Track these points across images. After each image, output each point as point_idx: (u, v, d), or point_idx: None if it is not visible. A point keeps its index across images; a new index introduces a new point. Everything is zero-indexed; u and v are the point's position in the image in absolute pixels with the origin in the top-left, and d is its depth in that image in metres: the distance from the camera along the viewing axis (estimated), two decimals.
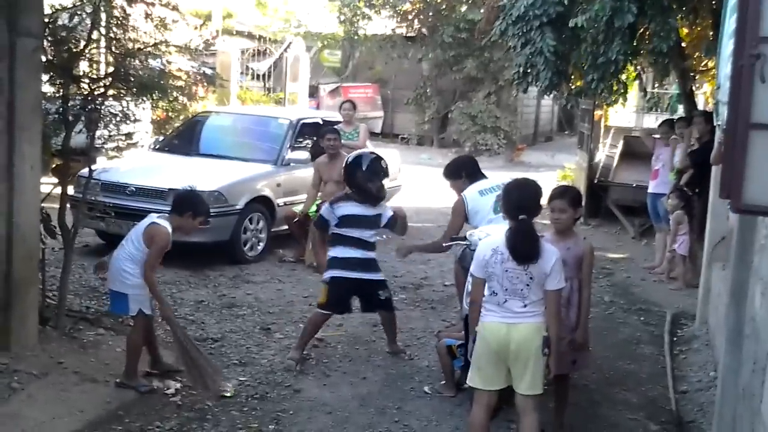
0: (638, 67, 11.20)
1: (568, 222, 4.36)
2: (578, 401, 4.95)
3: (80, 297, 6.30)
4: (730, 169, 2.62)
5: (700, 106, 12.25)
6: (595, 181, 11.63)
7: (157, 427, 4.37)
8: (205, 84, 9.46)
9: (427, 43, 20.45)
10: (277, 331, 6.11)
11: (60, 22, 5.51)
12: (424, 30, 20.70)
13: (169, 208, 4.98)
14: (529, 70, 9.35)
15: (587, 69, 8.87)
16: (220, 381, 4.87)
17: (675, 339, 6.50)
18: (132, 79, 5.68)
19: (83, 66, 5.85)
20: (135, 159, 8.44)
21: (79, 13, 5.56)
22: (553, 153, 19.98)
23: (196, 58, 7.31)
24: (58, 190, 5.60)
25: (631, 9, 7.95)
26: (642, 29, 8.75)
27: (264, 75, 19.82)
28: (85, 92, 5.60)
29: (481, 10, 17.38)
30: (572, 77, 9.94)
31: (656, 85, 19.44)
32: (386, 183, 5.85)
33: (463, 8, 19.80)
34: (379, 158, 5.69)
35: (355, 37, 21.67)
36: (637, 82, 12.79)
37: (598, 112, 12.30)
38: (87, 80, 5.68)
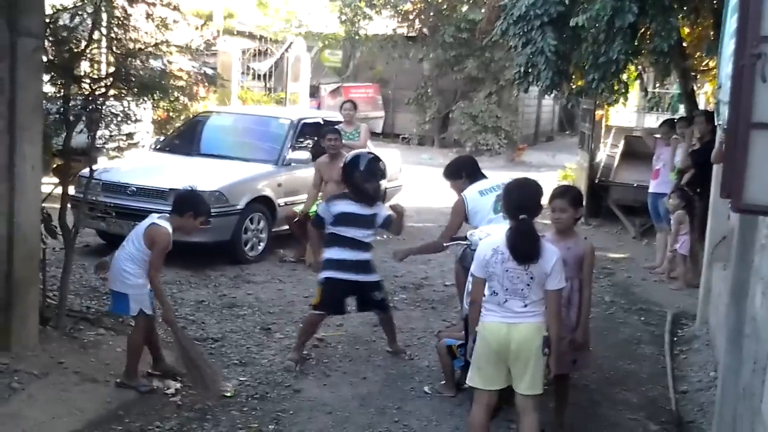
0: (639, 67, 11.22)
1: (568, 222, 4.36)
2: (578, 401, 4.94)
3: (81, 297, 6.31)
4: (730, 169, 2.62)
5: (701, 106, 12.25)
6: (596, 181, 11.63)
7: (157, 427, 4.37)
8: (206, 84, 9.49)
9: (428, 43, 20.46)
10: (277, 331, 6.11)
11: (61, 22, 5.51)
12: (425, 30, 20.70)
13: (169, 208, 4.98)
14: (530, 70, 9.35)
15: (588, 69, 8.87)
16: (219, 383, 4.87)
17: (675, 339, 6.49)
18: (133, 79, 5.68)
19: (84, 66, 5.85)
20: (136, 159, 8.45)
21: (80, 13, 5.57)
22: (554, 153, 19.99)
23: (197, 58, 7.32)
24: (59, 190, 5.60)
25: (632, 8, 7.95)
26: (643, 29, 8.74)
27: (265, 75, 19.83)
28: (86, 92, 5.60)
29: (482, 10, 17.44)
30: (573, 77, 9.93)
31: (657, 85, 19.44)
32: (387, 183, 5.86)
33: (464, 8, 19.80)
34: (377, 159, 5.71)
35: (356, 37, 21.68)
36: (638, 81, 12.79)
37: (599, 112, 12.30)
38: (88, 80, 5.68)
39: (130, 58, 5.70)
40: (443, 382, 5.12)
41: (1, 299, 4.79)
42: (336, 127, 8.89)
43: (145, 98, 5.92)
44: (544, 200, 4.04)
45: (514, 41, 9.41)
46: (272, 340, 5.92)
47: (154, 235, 4.70)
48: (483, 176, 5.55)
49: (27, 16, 4.74)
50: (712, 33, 9.26)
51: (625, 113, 18.53)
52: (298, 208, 8.37)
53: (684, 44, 10.32)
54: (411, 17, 20.93)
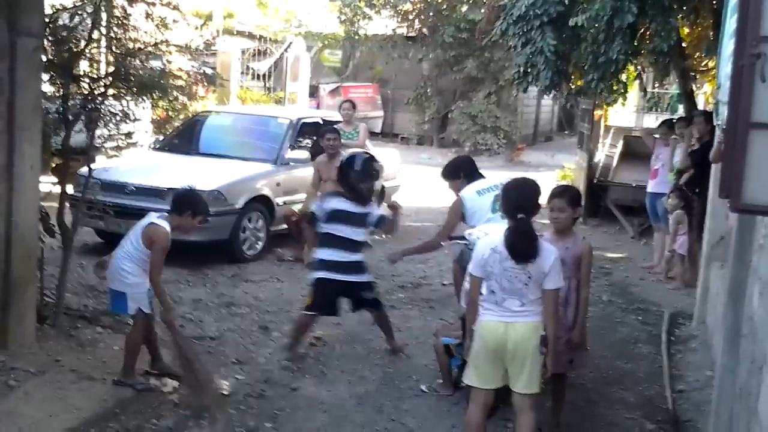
0: (638, 67, 11.21)
1: (567, 221, 4.36)
2: (575, 400, 4.95)
3: (78, 296, 6.30)
4: (729, 169, 2.62)
5: (701, 106, 12.25)
6: (595, 181, 11.64)
7: (153, 425, 4.37)
8: (206, 84, 9.50)
9: (428, 43, 20.47)
10: (275, 330, 6.11)
11: (60, 22, 5.52)
12: (424, 30, 20.71)
13: (168, 208, 4.98)
14: (529, 70, 9.36)
15: (587, 69, 8.88)
16: (214, 387, 4.85)
17: (673, 338, 6.50)
18: (132, 79, 5.69)
19: (83, 65, 5.86)
20: (134, 158, 8.45)
21: (79, 12, 5.57)
22: (552, 153, 19.99)
23: (197, 58, 7.32)
24: (58, 189, 5.60)
25: (632, 8, 7.96)
26: (642, 29, 8.75)
27: (264, 75, 19.83)
28: (86, 92, 5.61)
29: (482, 10, 17.45)
30: (572, 77, 9.94)
31: (656, 85, 19.43)
32: (386, 182, 5.87)
33: (464, 8, 19.82)
34: (372, 159, 5.75)
35: (356, 37, 21.69)
36: (637, 81, 12.78)
37: (598, 112, 12.30)
38: (87, 80, 5.69)
39: (129, 58, 5.70)
40: (440, 380, 5.13)
41: None
42: (335, 126, 8.88)
43: (144, 98, 5.92)
44: (543, 200, 4.04)
45: (514, 41, 9.41)
46: (270, 339, 5.93)
47: (152, 235, 4.70)
48: (481, 176, 5.56)
49: (27, 16, 4.75)
50: (711, 33, 9.27)
51: (624, 113, 18.54)
52: (297, 208, 8.38)
53: (683, 44, 10.32)
54: (410, 17, 20.94)
